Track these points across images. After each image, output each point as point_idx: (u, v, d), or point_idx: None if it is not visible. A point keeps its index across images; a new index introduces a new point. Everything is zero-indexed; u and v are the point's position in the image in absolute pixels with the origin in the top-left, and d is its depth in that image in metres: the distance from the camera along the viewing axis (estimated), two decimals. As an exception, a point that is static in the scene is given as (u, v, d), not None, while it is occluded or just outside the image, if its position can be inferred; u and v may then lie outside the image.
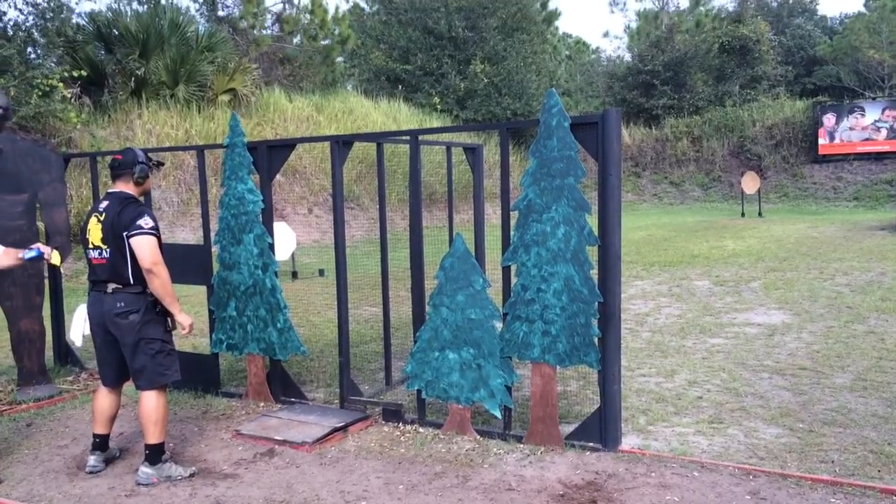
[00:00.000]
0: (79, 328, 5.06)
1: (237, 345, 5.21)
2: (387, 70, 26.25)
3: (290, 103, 19.22)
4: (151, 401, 3.88)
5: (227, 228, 5.18)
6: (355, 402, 4.88)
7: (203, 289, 5.46)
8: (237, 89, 17.39)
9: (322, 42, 25.85)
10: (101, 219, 3.87)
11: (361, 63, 27.82)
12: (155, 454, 3.88)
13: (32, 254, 4.00)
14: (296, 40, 25.74)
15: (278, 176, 16.76)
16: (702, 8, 32.92)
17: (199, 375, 5.40)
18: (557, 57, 38.37)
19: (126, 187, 3.99)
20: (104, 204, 3.93)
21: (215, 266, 5.28)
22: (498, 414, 4.33)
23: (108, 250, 3.85)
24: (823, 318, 7.15)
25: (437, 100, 25.56)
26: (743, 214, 19.71)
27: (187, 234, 13.82)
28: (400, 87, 26.09)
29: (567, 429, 4.25)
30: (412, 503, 3.50)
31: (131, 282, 3.85)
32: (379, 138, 5.65)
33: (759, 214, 19.49)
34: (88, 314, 4.03)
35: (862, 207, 21.02)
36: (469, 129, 5.41)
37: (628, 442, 4.19)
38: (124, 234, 3.80)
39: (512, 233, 4.27)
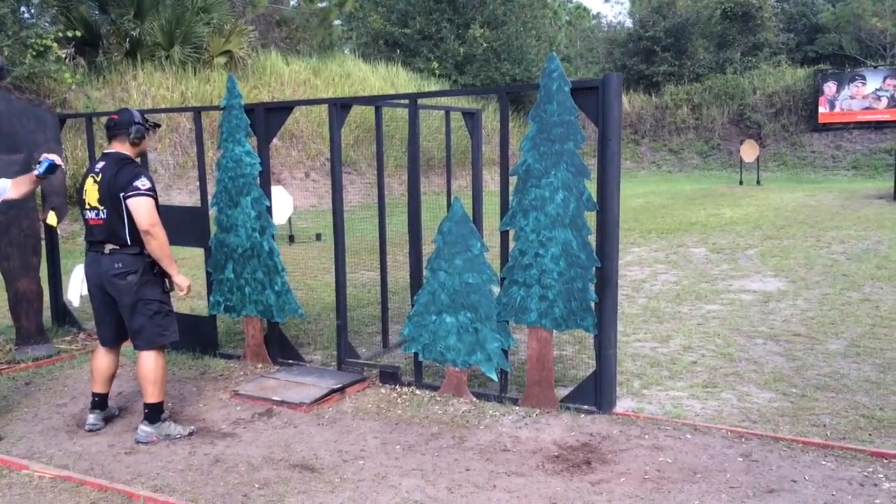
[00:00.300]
0: (76, 288, 5.06)
1: (235, 307, 5.23)
2: (385, 33, 25.97)
3: (286, 66, 19.03)
4: (150, 361, 3.90)
5: (225, 191, 5.16)
6: (352, 364, 4.92)
7: (200, 251, 5.46)
8: (233, 52, 17.21)
9: (319, 4, 25.50)
10: (98, 179, 3.86)
11: (359, 26, 27.52)
12: (154, 413, 3.91)
13: (45, 165, 3.98)
14: (293, 2, 25.40)
15: (275, 140, 16.65)
16: (705, -27, 32.47)
17: (196, 337, 5.43)
18: (557, 22, 37.92)
19: (122, 148, 3.96)
20: (100, 164, 3.91)
21: (212, 228, 5.27)
22: (494, 377, 4.37)
23: (104, 211, 3.84)
24: (819, 286, 7.19)
25: (435, 64, 25.33)
26: (741, 182, 19.69)
27: (184, 196, 13.79)
28: (398, 51, 25.83)
29: (562, 392, 4.29)
30: (409, 463, 3.54)
31: (128, 243, 3.85)
32: (377, 101, 5.61)
33: (758, 183, 19.47)
34: (86, 275, 4.04)
35: (861, 176, 21.00)
36: (469, 93, 5.39)
37: (623, 405, 4.24)
38: (121, 195, 3.79)
39: (510, 198, 4.27)
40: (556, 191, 4.11)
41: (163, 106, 14.39)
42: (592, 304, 4.08)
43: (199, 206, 5.41)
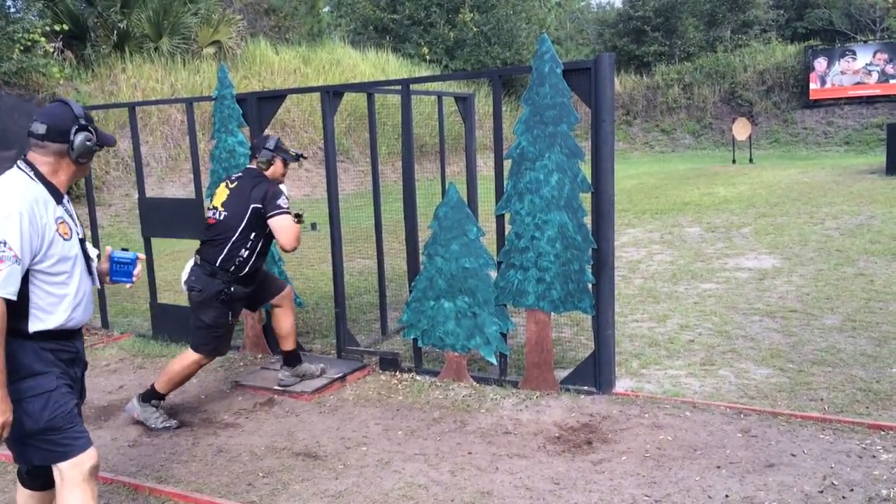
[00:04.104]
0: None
1: (233, 298, 5.22)
2: (374, 19, 25.81)
3: (276, 55, 18.92)
4: (182, 358, 4.01)
5: (219, 181, 5.15)
6: (352, 351, 4.94)
7: (197, 243, 5.45)
8: (222, 41, 17.10)
9: (308, -9, 25.35)
10: (231, 186, 4.09)
11: (348, 13, 27.36)
12: (150, 396, 4.01)
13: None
14: (281, -11, 25.22)
15: (267, 130, 16.62)
16: (694, -49, 32.29)
17: (195, 329, 5.43)
18: (547, 4, 37.74)
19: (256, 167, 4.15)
20: (237, 174, 4.21)
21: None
22: (494, 360, 4.39)
23: (223, 214, 4.05)
24: (813, 262, 7.22)
25: (425, 50, 25.21)
26: (734, 161, 19.69)
27: (177, 189, 13.74)
28: (388, 37, 25.69)
29: (562, 374, 4.32)
30: (411, 447, 3.57)
31: (216, 262, 4.01)
32: (369, 88, 5.60)
33: (750, 161, 19.48)
34: None
35: (853, 152, 21.02)
36: (461, 76, 5.37)
37: (622, 385, 4.27)
38: (252, 206, 3.97)
39: (505, 181, 4.27)
40: (550, 173, 4.11)
41: (153, 98, 14.31)
42: (589, 286, 4.10)
43: (194, 197, 5.40)
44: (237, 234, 3.92)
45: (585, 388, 4.19)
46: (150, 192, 12.13)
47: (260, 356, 5.17)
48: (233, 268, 3.93)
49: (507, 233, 4.30)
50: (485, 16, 25.63)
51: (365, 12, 25.88)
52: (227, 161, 5.10)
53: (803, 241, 8.34)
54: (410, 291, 4.64)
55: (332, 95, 4.95)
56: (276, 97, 5.27)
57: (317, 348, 5.30)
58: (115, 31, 14.91)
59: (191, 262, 4.09)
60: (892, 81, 22.39)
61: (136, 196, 5.75)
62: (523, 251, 4.22)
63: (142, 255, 2.73)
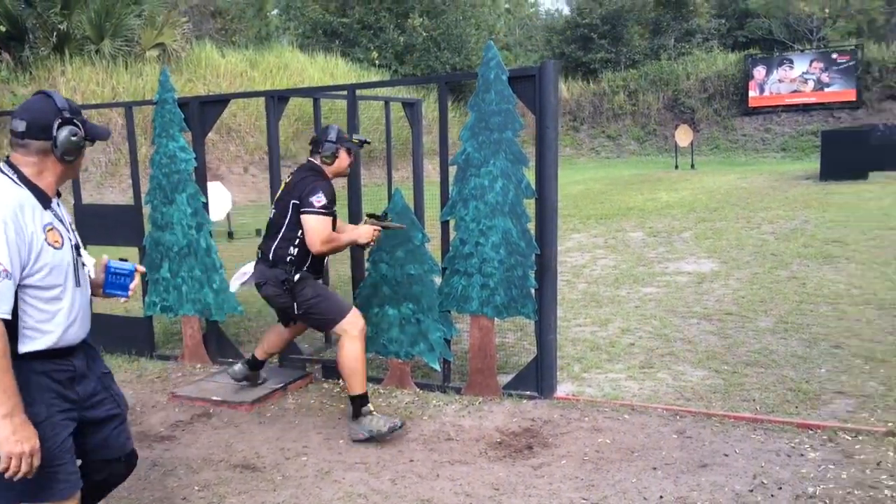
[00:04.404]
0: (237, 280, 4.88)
1: (172, 306, 5.13)
2: (323, 23, 25.70)
3: (222, 58, 18.69)
4: (344, 350, 3.84)
5: (159, 188, 5.06)
6: (294, 360, 4.89)
7: (135, 250, 5.34)
8: (166, 44, 16.82)
9: (255, -6, 25.11)
10: (287, 180, 3.98)
11: (297, 16, 27.18)
12: (358, 404, 3.78)
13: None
14: (227, -8, 24.91)
15: (212, 135, 16.37)
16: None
17: (132, 339, 5.33)
18: (496, 10, 38.06)
19: (316, 162, 3.98)
20: (294, 169, 4.07)
21: (147, 227, 5.16)
22: (437, 367, 4.40)
23: (273, 212, 4.00)
24: (749, 265, 7.43)
25: (375, 54, 25.20)
26: (677, 167, 20.13)
27: (117, 195, 13.44)
28: (337, 41, 25.59)
29: (505, 379, 4.35)
30: (352, 457, 3.55)
31: (270, 256, 3.94)
32: (316, 93, 5.57)
33: (692, 166, 19.93)
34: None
35: (789, 158, 21.69)
36: (407, 82, 5.40)
37: (563, 389, 4.32)
38: (292, 201, 3.85)
39: (450, 187, 4.29)
40: (495, 179, 4.15)
41: (93, 102, 13.97)
42: (533, 291, 4.14)
43: (133, 203, 5.29)
44: (283, 231, 3.85)
45: (528, 392, 4.23)
46: (89, 198, 11.85)
47: (199, 366, 5.09)
48: (288, 260, 3.84)
49: (451, 239, 4.33)
50: (434, 21, 25.74)
51: (314, 16, 25.74)
52: (167, 166, 5.01)
53: (740, 245, 8.56)
54: (355, 298, 4.62)
55: (276, 100, 4.91)
56: (220, 101, 5.20)
57: (260, 356, 5.24)
58: (55, 33, 14.54)
59: (248, 266, 4.11)
60: (826, 90, 23.18)
61: (73, 202, 5.60)
62: (468, 257, 4.24)
63: (140, 267, 2.53)
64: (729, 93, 24.74)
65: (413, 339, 4.42)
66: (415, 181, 5.90)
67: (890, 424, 3.58)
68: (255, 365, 4.38)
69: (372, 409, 3.77)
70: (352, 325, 3.82)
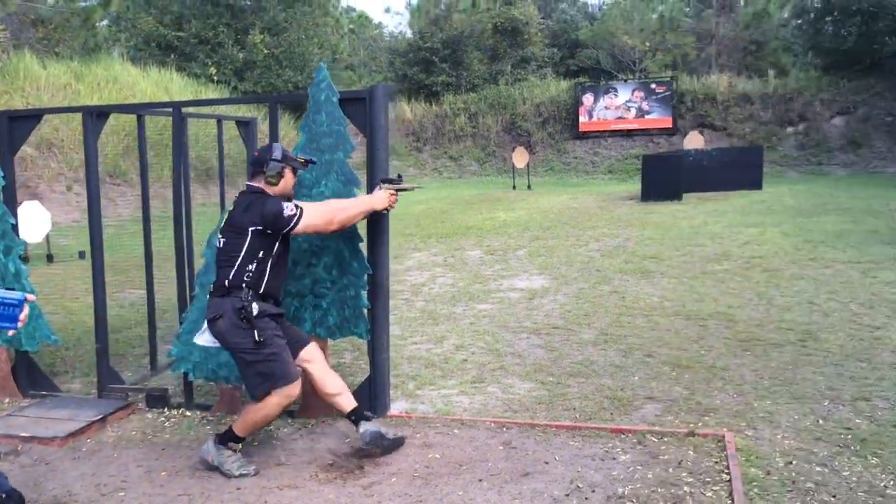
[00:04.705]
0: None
1: (-25, 337, 4.71)
2: (157, 36, 24.58)
3: (43, 70, 17.40)
4: (259, 404, 3.57)
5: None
6: (115, 390, 4.62)
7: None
8: (-23, 52, 15.43)
9: (81, 3, 23.59)
10: (232, 210, 3.71)
11: (129, 28, 25.84)
12: (226, 439, 3.60)
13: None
14: (50, 0, 23.27)
15: (31, 150, 15.17)
16: (478, -12, 34.21)
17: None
18: (340, 30, 38.09)
19: (261, 185, 3.70)
20: (238, 196, 3.78)
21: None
22: (269, 390, 4.31)
23: (222, 241, 3.69)
24: (576, 281, 7.87)
25: (213, 70, 24.42)
26: (514, 187, 20.96)
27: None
28: (172, 55, 24.56)
29: (339, 399, 4.34)
30: (174, 489, 3.41)
31: (225, 283, 3.62)
32: (139, 110, 5.33)
33: (529, 187, 20.82)
34: None
35: (615, 180, 23.20)
36: (236, 101, 5.31)
37: (397, 407, 4.37)
38: (251, 229, 3.58)
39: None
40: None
41: None
42: (365, 311, 4.17)
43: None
44: (241, 259, 3.57)
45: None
46: None
47: (7, 400, 4.69)
48: (245, 281, 3.56)
49: (281, 260, 4.27)
50: (276, 38, 25.35)
51: (147, 28, 24.58)
52: (-32, 185, 4.61)
53: (569, 261, 9.05)
54: (181, 323, 4.44)
55: (95, 117, 4.66)
56: (32, 117, 4.86)
57: (76, 388, 4.91)
58: None
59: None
60: (647, 117, 25.07)
61: None
62: (299, 278, 4.21)
63: (31, 296, 2.31)
64: (561, 117, 26.15)
65: (244, 363, 4.30)
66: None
67: (691, 426, 3.91)
68: (362, 413, 3.83)
69: (239, 449, 3.63)
70: (286, 396, 3.53)
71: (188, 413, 4.37)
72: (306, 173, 4.13)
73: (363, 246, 4.15)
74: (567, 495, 3.18)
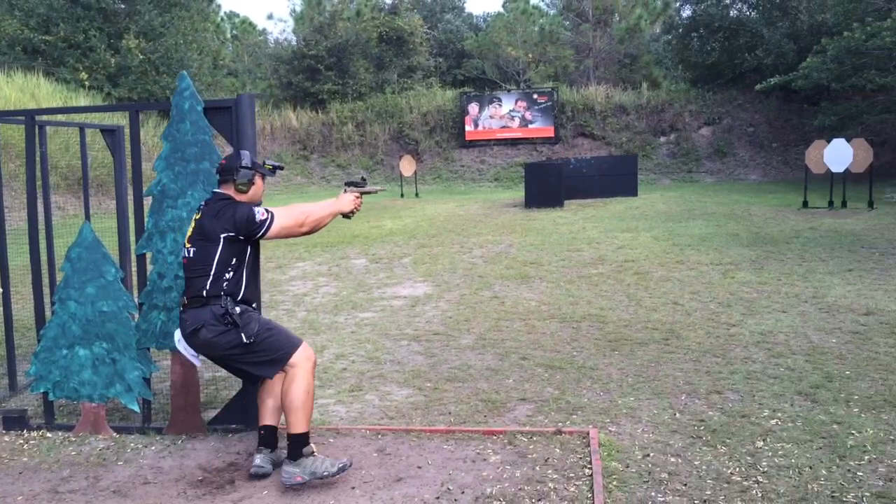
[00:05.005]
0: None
1: None
2: (22, 40, 23.16)
3: None
4: (290, 384, 3.48)
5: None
6: (-33, 414, 4.34)
7: None
8: None
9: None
10: (197, 217, 3.57)
11: (-10, 30, 24.22)
12: (298, 446, 3.43)
13: None
14: None
15: None
16: (362, -3, 34.19)
17: None
18: (222, 36, 37.15)
19: (229, 192, 3.61)
20: (202, 204, 3.64)
21: None
22: (136, 408, 4.17)
23: (192, 250, 3.56)
24: (459, 287, 8.00)
25: (84, 75, 23.25)
26: (402, 195, 21.05)
27: None
28: (40, 59, 23.22)
29: (213, 414, 4.24)
30: (30, 514, 3.24)
31: (203, 293, 3.50)
32: (-12, 117, 5.03)
33: (416, 195, 20.97)
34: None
35: (501, 187, 23.72)
36: (95, 109, 5.10)
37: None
38: (223, 235, 3.50)
39: (146, 219, 4.13)
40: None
41: None
42: (236, 323, 4.09)
43: None
44: (215, 267, 3.43)
45: (234, 426, 4.17)
46: None
47: None
48: (224, 289, 3.46)
49: (148, 272, 4.15)
50: (152, 44, 24.43)
51: (10, 31, 23.11)
52: None
53: (453, 268, 9.19)
54: (39, 341, 4.22)
55: (-64, 124, 4.36)
56: None
57: (-77, 414, 4.56)
58: None
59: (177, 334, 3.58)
60: (530, 126, 25.78)
61: None
62: (167, 291, 4.09)
63: None
64: (448, 126, 26.50)
65: (108, 379, 4.14)
66: (118, 213, 5.56)
67: (559, 424, 4.06)
68: (271, 438, 3.68)
69: (314, 449, 3.50)
70: (306, 359, 3.50)
71: (49, 434, 4.15)
72: (172, 183, 4.03)
73: (234, 257, 4.08)
74: (437, 498, 3.24)
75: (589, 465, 3.46)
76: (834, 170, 13.84)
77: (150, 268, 4.15)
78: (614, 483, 3.32)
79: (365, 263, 9.93)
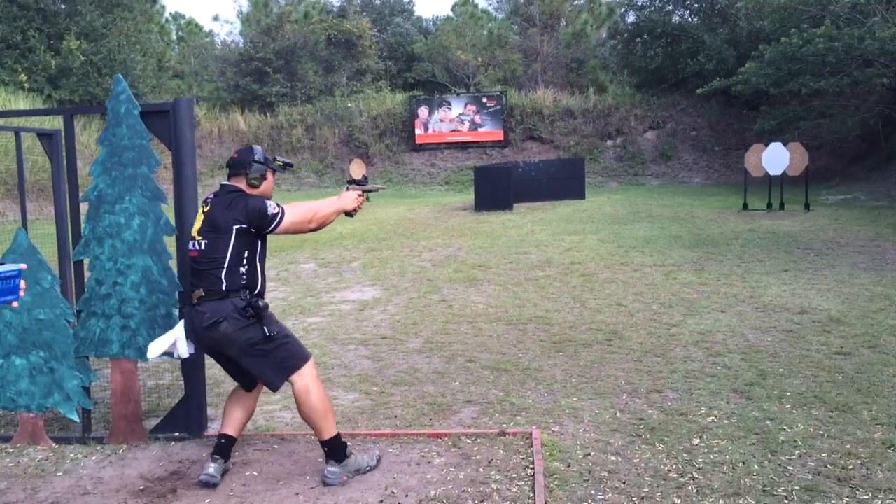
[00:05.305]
0: (162, 344, 3.66)
1: None
2: (-44, 40, 22.41)
3: None
4: (303, 395, 3.53)
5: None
6: None
7: None
8: None
9: None
10: (206, 210, 3.52)
11: (-81, 29, 23.36)
12: (337, 450, 3.52)
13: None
14: None
15: None
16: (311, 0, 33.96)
17: None
18: (167, 37, 36.48)
19: (240, 185, 3.57)
20: (211, 195, 3.59)
21: None
22: (76, 417, 4.09)
23: (203, 243, 3.50)
24: (407, 291, 8.02)
25: (23, 77, 22.58)
26: (353, 199, 20.96)
27: None
28: (-25, 60, 22.49)
29: (156, 423, 4.19)
30: (-38, 529, 3.16)
31: (221, 287, 3.45)
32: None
33: (367, 199, 20.92)
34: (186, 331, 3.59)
35: (451, 191, 23.80)
36: (25, 113, 4.99)
37: (216, 427, 4.27)
38: (235, 227, 3.46)
39: (83, 225, 4.07)
40: (132, 216, 4.02)
41: None
42: (178, 330, 4.05)
43: None
44: (228, 259, 3.38)
45: (177, 434, 4.12)
46: None
47: None
48: (243, 284, 3.44)
49: (86, 279, 4.08)
50: (94, 45, 23.84)
51: (-57, 30, 22.33)
52: None
53: (402, 272, 9.21)
54: (-28, 351, 4.11)
55: None
56: None
57: None
58: None
59: (181, 323, 3.51)
60: (480, 130, 25.94)
61: None
62: (105, 298, 4.03)
63: (23, 265, 2.26)
64: (398, 130, 26.48)
65: (46, 389, 4.06)
66: (57, 219, 5.45)
67: (503, 426, 4.12)
68: (226, 449, 3.64)
69: (351, 448, 3.59)
70: (313, 375, 3.57)
71: (-18, 448, 4.05)
72: (108, 188, 3.98)
73: (173, 263, 4.05)
74: (381, 502, 3.26)
75: (531, 466, 3.52)
76: (772, 173, 14.27)
77: (87, 274, 4.09)
78: (556, 482, 3.38)
79: (314, 268, 9.88)
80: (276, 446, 3.94)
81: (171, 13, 40.42)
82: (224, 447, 3.62)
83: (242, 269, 3.47)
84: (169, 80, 30.87)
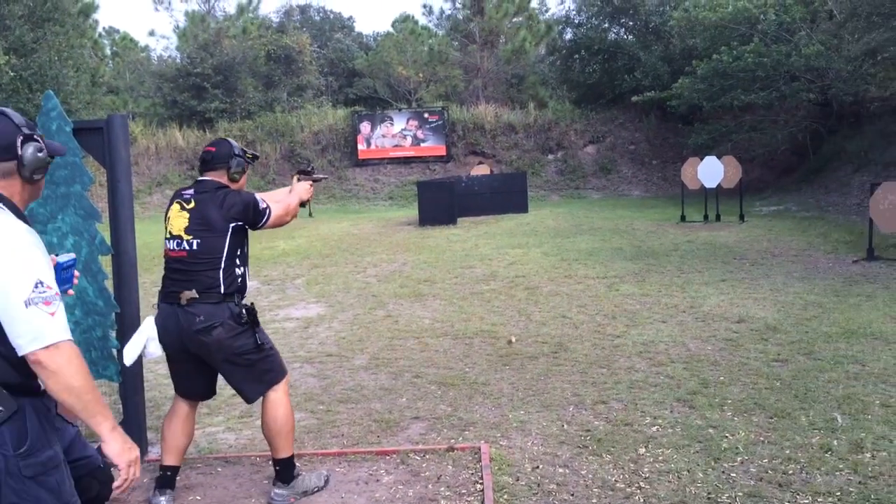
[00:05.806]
0: (137, 346, 3.35)
1: None
2: None
3: None
4: (273, 408, 3.46)
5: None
6: None
7: None
8: None
9: None
10: (189, 207, 3.38)
11: None
12: (286, 470, 3.46)
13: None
14: None
15: None
16: (249, 15, 33.62)
17: None
18: (100, 52, 35.61)
19: (220, 179, 3.44)
20: (191, 191, 3.44)
21: None
22: (5, 447, 3.91)
23: (191, 241, 3.35)
24: (353, 307, 7.95)
25: (-52, 92, 21.75)
26: (296, 215, 20.73)
27: None
28: None
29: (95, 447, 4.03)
30: None
31: (216, 287, 3.32)
32: None
33: (310, 215, 20.62)
34: (160, 331, 3.42)
35: (395, 206, 23.77)
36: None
37: (157, 451, 4.14)
38: (232, 224, 3.36)
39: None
40: (65, 236, 3.89)
41: None
42: (115, 352, 3.92)
43: None
44: (224, 258, 3.24)
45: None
46: None
47: None
48: (239, 285, 3.37)
49: (16, 302, 3.91)
50: (24, 60, 23.12)
51: None
52: None
53: (347, 288, 9.13)
54: None
55: None
56: None
57: None
58: None
59: (149, 323, 3.29)
60: (422, 145, 26.01)
61: None
62: (38, 321, 3.86)
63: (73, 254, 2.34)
64: (341, 145, 26.36)
65: (-27, 419, 3.87)
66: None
67: (452, 441, 4.10)
68: (172, 480, 3.49)
69: (299, 469, 3.53)
70: (286, 390, 3.51)
71: None
72: (40, 207, 3.84)
73: (109, 283, 3.92)
74: (329, 522, 3.20)
75: (481, 481, 3.51)
76: (707, 185, 14.67)
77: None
78: (505, 497, 3.37)
79: (256, 285, 9.71)
80: (219, 469, 3.84)
81: (104, 28, 39.53)
82: (170, 479, 3.50)
83: (237, 270, 3.38)
84: (103, 96, 30.13)
